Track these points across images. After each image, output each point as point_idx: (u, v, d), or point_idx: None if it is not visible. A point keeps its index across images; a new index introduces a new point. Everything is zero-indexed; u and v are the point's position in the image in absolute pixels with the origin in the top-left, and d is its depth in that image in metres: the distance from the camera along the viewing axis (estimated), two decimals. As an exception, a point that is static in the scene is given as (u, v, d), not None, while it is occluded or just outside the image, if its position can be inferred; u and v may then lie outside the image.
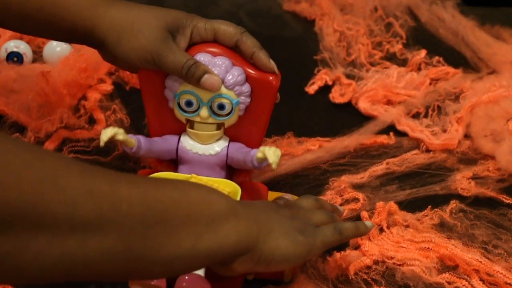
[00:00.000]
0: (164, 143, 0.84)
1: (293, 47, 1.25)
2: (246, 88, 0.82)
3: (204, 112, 0.82)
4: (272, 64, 0.83)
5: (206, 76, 0.80)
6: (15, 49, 1.15)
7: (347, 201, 0.93)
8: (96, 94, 1.08)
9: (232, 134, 0.85)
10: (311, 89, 1.16)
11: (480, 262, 0.82)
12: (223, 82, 0.81)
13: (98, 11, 0.83)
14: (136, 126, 1.03)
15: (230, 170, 0.86)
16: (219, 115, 0.82)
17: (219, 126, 0.84)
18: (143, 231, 0.59)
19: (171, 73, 0.82)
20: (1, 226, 0.52)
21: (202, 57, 0.82)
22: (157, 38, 0.81)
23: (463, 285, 0.81)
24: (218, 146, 0.84)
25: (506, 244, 0.87)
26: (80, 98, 1.08)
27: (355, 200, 0.93)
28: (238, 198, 0.77)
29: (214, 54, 0.82)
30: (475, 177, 0.98)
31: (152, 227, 0.60)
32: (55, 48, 1.15)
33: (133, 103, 1.08)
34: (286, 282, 0.81)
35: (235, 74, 0.81)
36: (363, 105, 1.11)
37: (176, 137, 0.85)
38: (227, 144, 0.84)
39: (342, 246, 0.85)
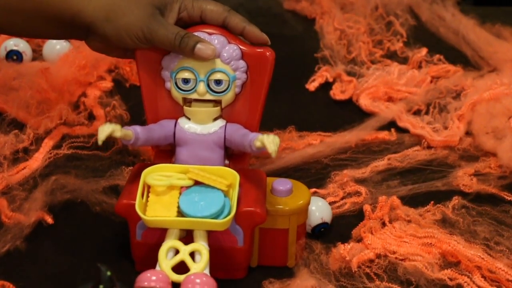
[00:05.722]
0: (161, 129, 0.84)
1: (294, 45, 1.26)
2: (242, 64, 0.83)
3: (201, 88, 0.82)
4: (265, 36, 0.83)
5: (199, 45, 0.80)
6: (14, 48, 1.15)
7: (349, 194, 0.93)
8: (95, 91, 1.08)
9: (229, 116, 0.85)
10: (312, 86, 1.16)
11: (482, 258, 0.82)
12: (219, 57, 0.81)
13: None
14: (136, 122, 1.02)
15: (229, 152, 0.86)
16: (216, 92, 0.82)
17: (216, 104, 0.84)
18: None
19: (164, 47, 0.81)
20: None
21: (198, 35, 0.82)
22: (146, 14, 0.81)
23: (465, 282, 0.81)
24: (216, 126, 0.83)
25: (508, 241, 0.86)
26: (80, 95, 1.08)
27: (358, 193, 0.93)
28: (237, 185, 0.77)
29: (210, 33, 0.83)
30: (476, 174, 0.98)
31: None
32: (55, 46, 1.16)
33: (132, 99, 1.08)
34: (291, 267, 0.82)
35: (230, 49, 0.82)
36: (364, 102, 1.11)
37: (172, 121, 0.84)
38: (224, 124, 0.84)
39: (345, 238, 0.85)
